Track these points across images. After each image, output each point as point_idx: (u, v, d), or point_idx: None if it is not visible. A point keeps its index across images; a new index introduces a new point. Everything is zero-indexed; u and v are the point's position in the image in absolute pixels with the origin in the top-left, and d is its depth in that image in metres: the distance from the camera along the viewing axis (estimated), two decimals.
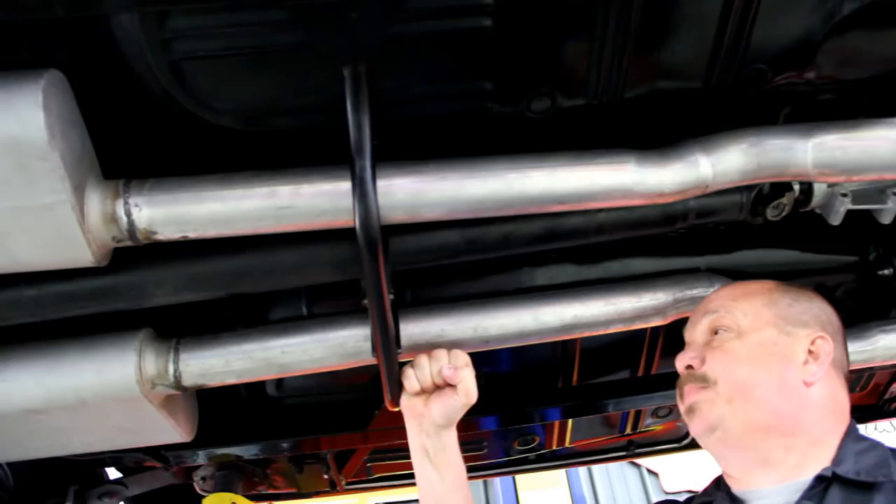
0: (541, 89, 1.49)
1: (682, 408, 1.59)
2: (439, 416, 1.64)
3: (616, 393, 2.31)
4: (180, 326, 1.80)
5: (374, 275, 1.43)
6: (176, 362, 1.70)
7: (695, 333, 1.65)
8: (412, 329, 1.71)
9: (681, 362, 1.61)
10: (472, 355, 1.68)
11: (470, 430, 2.38)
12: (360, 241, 1.39)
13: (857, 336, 2.05)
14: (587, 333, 1.81)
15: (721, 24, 1.48)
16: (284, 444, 2.25)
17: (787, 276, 2.14)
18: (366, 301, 1.51)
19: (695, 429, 1.55)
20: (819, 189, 1.81)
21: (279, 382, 2.17)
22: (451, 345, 1.70)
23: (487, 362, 2.18)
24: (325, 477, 2.53)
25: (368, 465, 2.65)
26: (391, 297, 1.54)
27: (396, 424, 2.01)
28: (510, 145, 1.55)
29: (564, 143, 1.57)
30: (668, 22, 1.46)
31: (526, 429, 2.54)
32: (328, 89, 1.36)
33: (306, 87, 1.42)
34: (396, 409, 1.74)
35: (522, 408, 2.31)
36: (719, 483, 1.60)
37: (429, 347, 1.70)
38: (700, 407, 1.52)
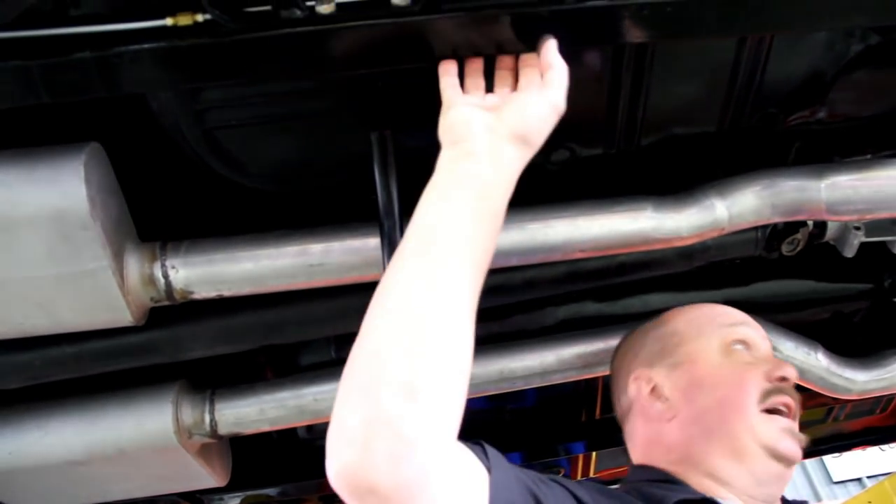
0: (559, 143, 1.54)
1: (795, 420, 1.43)
2: (517, 123, 1.18)
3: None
4: (214, 374, 1.85)
5: None
6: (212, 412, 1.76)
7: (767, 347, 1.58)
8: None
9: (789, 372, 1.45)
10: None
11: None
12: None
13: (874, 364, 2.09)
14: (608, 372, 1.85)
15: (733, 72, 1.53)
16: (314, 484, 2.29)
17: (803, 306, 2.19)
18: None
19: (801, 443, 1.41)
20: (832, 223, 1.85)
21: (310, 426, 2.21)
22: (473, 388, 1.75)
23: (511, 399, 2.22)
24: None
25: None
26: None
27: None
28: (534, 192, 1.60)
29: (586, 187, 1.63)
30: (682, 71, 1.51)
31: (551, 461, 2.57)
32: (356, 150, 1.41)
33: (335, 150, 1.48)
34: None
35: (547, 443, 2.34)
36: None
37: None
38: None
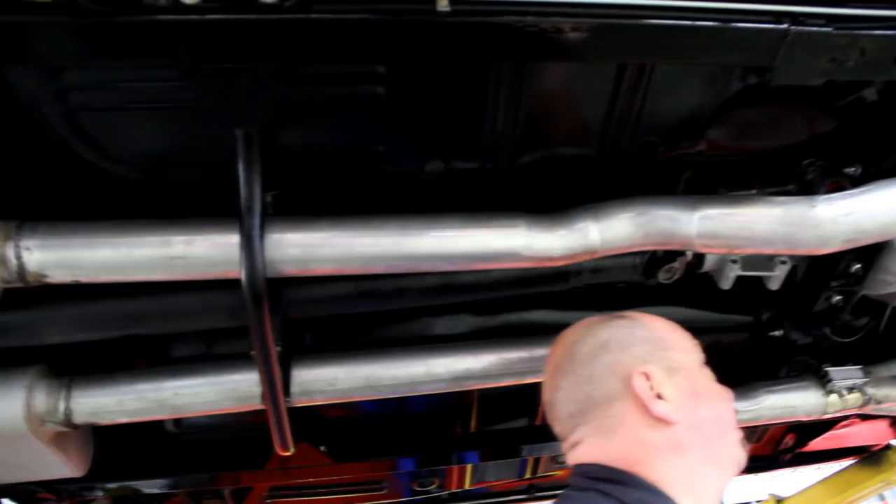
0: (434, 153, 1.54)
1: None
2: None
3: (513, 440, 2.36)
4: (83, 362, 1.80)
5: (260, 328, 1.46)
6: (67, 400, 1.70)
7: None
8: (304, 376, 1.74)
9: None
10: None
11: (371, 471, 2.41)
12: (245, 296, 1.41)
13: (744, 395, 2.13)
14: (479, 386, 1.86)
15: (612, 98, 1.55)
16: (181, 480, 2.25)
17: None
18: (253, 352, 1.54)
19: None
20: (711, 255, 1.88)
21: (177, 420, 2.17)
22: (342, 394, 1.74)
23: (384, 405, 2.22)
24: None
25: (269, 501, 2.65)
26: (279, 348, 1.56)
27: (295, 463, 2.03)
28: (413, 202, 1.59)
29: (472, 202, 1.62)
30: (561, 93, 1.52)
31: (425, 471, 2.57)
32: (222, 146, 1.39)
33: (201, 143, 1.45)
34: (287, 454, 1.76)
35: (417, 452, 2.34)
36: None
37: (321, 396, 1.73)
38: None
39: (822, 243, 1.60)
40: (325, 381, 1.75)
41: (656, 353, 1.49)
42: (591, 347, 1.53)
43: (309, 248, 1.47)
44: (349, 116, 1.46)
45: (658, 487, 1.33)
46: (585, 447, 1.44)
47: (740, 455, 1.46)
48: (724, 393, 1.51)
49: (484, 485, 2.75)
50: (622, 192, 1.66)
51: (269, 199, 1.55)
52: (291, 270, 1.49)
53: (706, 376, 1.52)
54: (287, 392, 1.69)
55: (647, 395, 1.40)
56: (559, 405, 1.52)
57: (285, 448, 1.75)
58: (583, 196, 1.66)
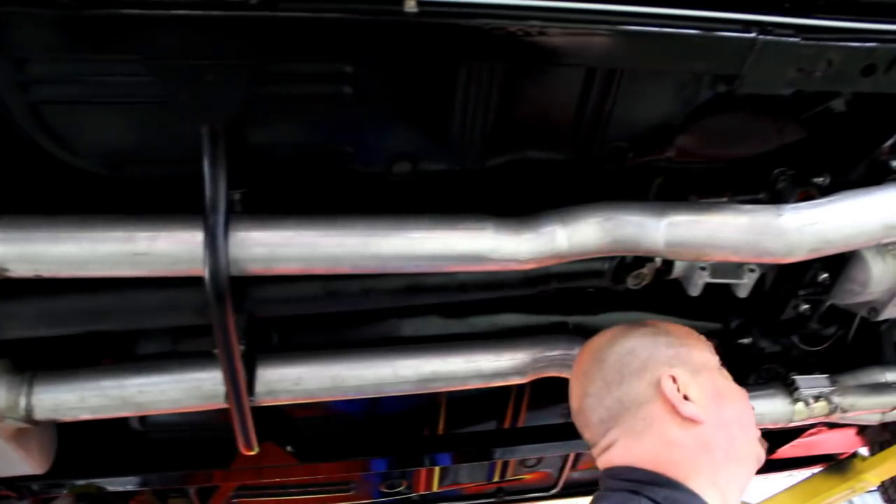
0: (402, 154, 1.54)
1: None
2: None
3: (481, 443, 2.36)
4: (49, 358, 1.78)
5: (223, 326, 1.45)
6: (28, 395, 1.68)
7: None
8: (270, 375, 1.73)
9: None
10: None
11: (338, 472, 2.40)
12: (208, 294, 1.40)
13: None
14: (445, 389, 1.85)
15: (582, 103, 1.55)
16: (145, 478, 2.23)
17: None
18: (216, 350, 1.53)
19: None
20: (679, 262, 1.88)
21: (143, 417, 2.16)
22: (307, 394, 1.73)
23: (351, 405, 2.21)
24: None
25: (235, 501, 2.64)
26: (243, 347, 1.55)
27: (262, 463, 2.02)
28: (382, 203, 1.59)
29: (441, 204, 1.62)
30: (530, 96, 1.52)
31: (393, 472, 2.57)
32: (189, 143, 1.38)
33: (167, 140, 1.44)
34: (251, 453, 1.76)
35: (384, 454, 2.33)
36: None
37: (286, 395, 1.72)
38: None
39: (788, 252, 1.61)
40: (290, 380, 1.74)
41: (680, 357, 1.56)
42: (619, 354, 1.59)
43: (274, 247, 1.46)
44: (316, 115, 1.45)
45: (686, 485, 1.39)
46: (617, 450, 1.50)
47: (760, 451, 1.53)
48: (743, 392, 1.58)
49: (452, 487, 2.75)
50: (593, 197, 1.66)
51: (237, 197, 1.55)
52: (256, 269, 1.48)
53: (725, 377, 1.59)
54: (251, 391, 1.68)
55: (675, 397, 1.46)
56: (589, 411, 1.57)
57: (249, 447, 1.74)
58: (554, 201, 1.66)
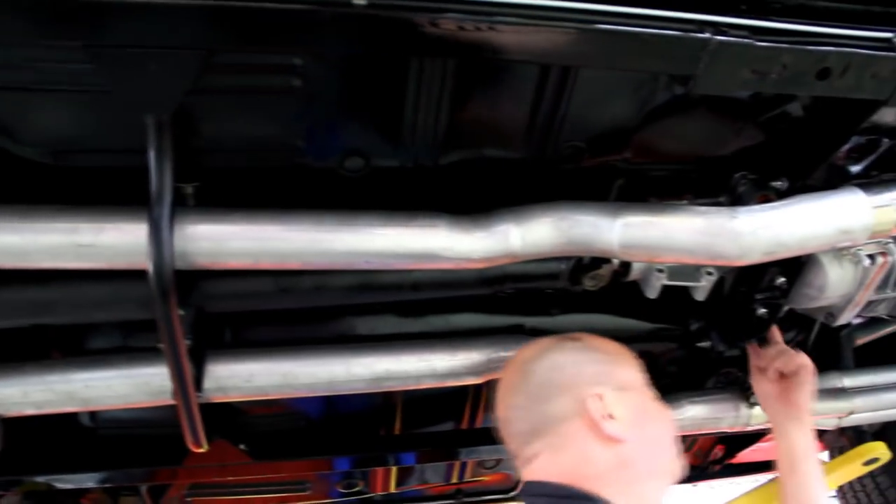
0: (353, 149, 1.52)
1: None
2: None
3: (438, 443, 2.34)
4: None
5: (167, 321, 1.43)
6: None
7: None
8: (220, 371, 1.70)
9: None
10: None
11: (293, 471, 2.38)
12: (152, 287, 1.38)
13: (667, 406, 2.13)
14: (399, 388, 1.84)
15: (536, 101, 1.54)
16: (95, 476, 2.20)
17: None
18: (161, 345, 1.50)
19: None
20: (637, 263, 1.87)
21: (93, 413, 2.12)
22: (258, 391, 1.71)
23: (307, 404, 2.19)
24: None
25: (189, 499, 2.60)
26: (189, 342, 1.53)
27: (215, 461, 1.99)
28: (335, 200, 1.57)
29: (395, 202, 1.60)
30: (484, 93, 1.51)
31: (351, 472, 2.55)
32: (135, 132, 1.35)
33: (113, 129, 1.42)
34: (200, 450, 1.73)
35: (339, 452, 2.31)
36: None
37: (237, 392, 1.70)
38: None
39: (742, 254, 1.60)
40: (241, 377, 1.72)
41: (607, 375, 1.56)
42: (545, 369, 1.59)
43: (221, 241, 1.44)
44: (266, 108, 1.43)
45: (605, 500, 1.39)
46: (537, 464, 1.50)
47: (678, 466, 1.55)
48: (666, 411, 1.63)
49: (410, 488, 2.73)
50: (552, 197, 1.65)
51: (190, 190, 1.53)
52: (203, 262, 1.45)
53: (651, 395, 1.61)
54: (199, 387, 1.65)
55: (599, 416, 1.46)
56: (513, 423, 1.58)
57: (198, 445, 1.72)
58: (511, 200, 1.65)
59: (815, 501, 1.83)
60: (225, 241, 1.44)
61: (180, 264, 1.42)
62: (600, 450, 1.45)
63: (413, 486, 2.72)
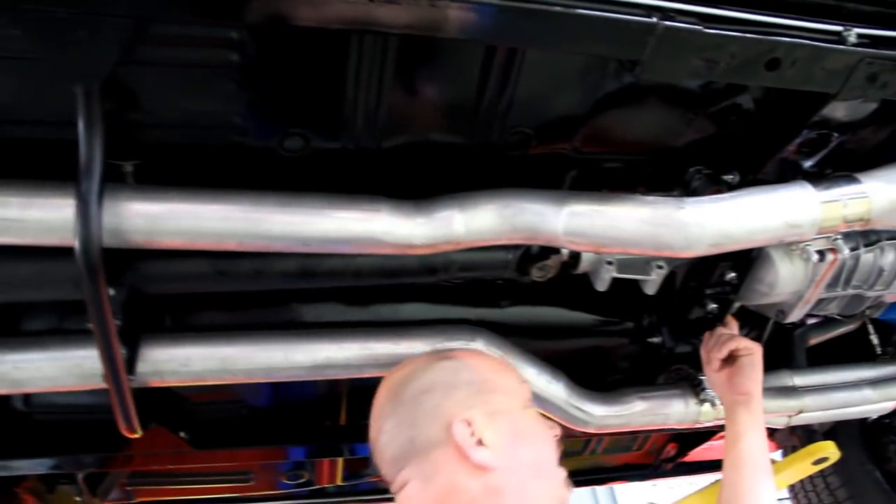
0: (293, 129, 1.48)
1: None
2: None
3: None
4: None
5: (96, 300, 1.39)
6: None
7: None
8: (157, 355, 1.66)
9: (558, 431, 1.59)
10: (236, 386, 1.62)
11: (236, 461, 2.34)
12: (79, 265, 1.34)
13: (615, 400, 2.12)
14: (340, 376, 1.80)
15: (481, 84, 1.51)
16: (29, 462, 2.14)
17: (560, 336, 2.21)
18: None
19: None
20: (587, 255, 1.85)
21: (27, 397, 2.06)
22: (195, 375, 1.67)
23: (252, 394, 2.15)
24: (78, 499, 2.43)
25: (129, 489, 2.55)
26: (119, 323, 1.48)
27: (154, 448, 1.95)
28: (274, 181, 1.53)
29: (337, 185, 1.57)
30: (428, 73, 1.48)
31: (294, 463, 2.51)
32: (65, 103, 1.31)
33: (43, 99, 1.37)
34: (134, 436, 1.69)
35: (280, 443, 2.28)
36: None
37: (172, 376, 1.66)
38: None
39: (688, 246, 1.59)
40: (178, 361, 1.67)
41: (480, 397, 1.48)
42: (415, 391, 1.52)
43: (155, 219, 1.41)
44: (202, 83, 1.39)
45: None
46: (408, 491, 1.42)
47: (560, 494, 1.45)
48: (547, 433, 1.51)
49: (357, 482, 2.70)
50: (502, 186, 1.63)
51: (129, 169, 1.49)
52: (136, 241, 1.42)
53: (530, 417, 1.52)
54: (132, 370, 1.61)
55: (466, 443, 1.39)
56: (384, 448, 1.49)
57: (131, 430, 1.67)
58: (458, 186, 1.62)
59: (753, 475, 1.82)
60: (160, 219, 1.41)
61: (113, 242, 1.38)
62: (468, 479, 1.38)
63: (361, 479, 2.69)
